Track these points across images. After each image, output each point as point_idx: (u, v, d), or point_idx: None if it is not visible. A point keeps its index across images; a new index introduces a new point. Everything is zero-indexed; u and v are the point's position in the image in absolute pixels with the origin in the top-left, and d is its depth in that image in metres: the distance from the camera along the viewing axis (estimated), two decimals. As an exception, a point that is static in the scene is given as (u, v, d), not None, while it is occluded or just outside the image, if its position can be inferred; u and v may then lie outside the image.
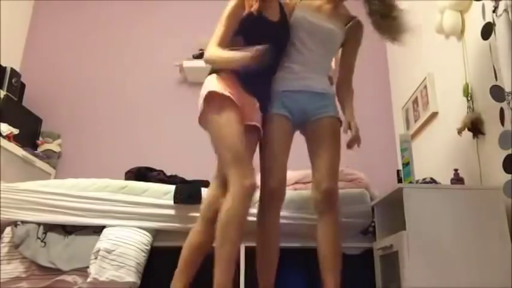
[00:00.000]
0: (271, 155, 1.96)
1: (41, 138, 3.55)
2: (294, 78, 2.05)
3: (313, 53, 2.08)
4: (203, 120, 1.93)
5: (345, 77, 2.21)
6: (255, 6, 1.92)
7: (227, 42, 1.90)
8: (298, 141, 3.44)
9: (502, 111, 1.86)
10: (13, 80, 3.36)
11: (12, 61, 3.57)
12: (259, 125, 1.98)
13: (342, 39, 2.16)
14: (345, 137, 2.07)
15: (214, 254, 1.72)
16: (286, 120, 2.03)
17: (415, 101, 3.09)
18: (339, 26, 2.12)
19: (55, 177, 3.42)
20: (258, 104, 1.98)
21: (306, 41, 2.07)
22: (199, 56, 3.39)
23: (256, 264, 1.97)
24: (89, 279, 2.06)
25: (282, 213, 2.28)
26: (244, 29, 1.94)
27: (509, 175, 1.82)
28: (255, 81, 1.95)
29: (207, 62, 1.93)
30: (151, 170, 2.69)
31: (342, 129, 2.06)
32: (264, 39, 1.85)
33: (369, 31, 4.10)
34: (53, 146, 3.55)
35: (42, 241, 2.21)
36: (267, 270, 1.94)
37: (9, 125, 3.07)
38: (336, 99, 2.17)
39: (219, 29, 1.92)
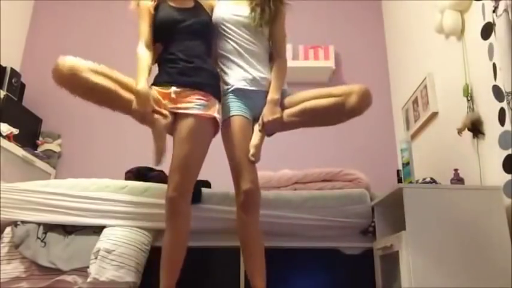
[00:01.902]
0: (240, 158, 1.97)
1: (41, 138, 3.55)
2: (244, 77, 2.08)
3: (248, 44, 2.11)
4: None
5: (275, 48, 2.19)
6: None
7: (150, 35, 2.04)
8: (298, 141, 3.45)
9: (501, 111, 1.87)
10: (13, 80, 3.36)
11: (12, 61, 3.57)
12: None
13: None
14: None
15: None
16: (246, 120, 2.04)
17: (415, 101, 3.09)
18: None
19: (55, 177, 3.42)
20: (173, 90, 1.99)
21: (238, 33, 2.11)
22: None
23: (246, 268, 1.98)
24: (89, 279, 2.06)
25: (282, 213, 2.30)
26: (158, 25, 2.06)
27: (509, 175, 1.82)
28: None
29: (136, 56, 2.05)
30: (151, 170, 2.69)
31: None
32: (178, 27, 2.03)
33: (369, 30, 4.09)
34: (53, 146, 3.55)
35: (42, 241, 2.21)
36: (255, 272, 1.93)
37: (9, 125, 3.07)
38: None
39: (138, 27, 2.06)
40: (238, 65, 2.10)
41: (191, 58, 2.03)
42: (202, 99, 1.97)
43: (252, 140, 2.00)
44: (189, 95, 1.98)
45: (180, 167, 1.88)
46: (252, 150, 1.97)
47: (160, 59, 2.08)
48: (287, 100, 2.08)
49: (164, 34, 2.06)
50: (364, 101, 1.95)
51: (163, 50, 2.06)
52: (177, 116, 1.96)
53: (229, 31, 2.12)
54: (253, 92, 2.07)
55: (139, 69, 1.96)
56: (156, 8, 2.09)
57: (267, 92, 2.07)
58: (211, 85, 2.04)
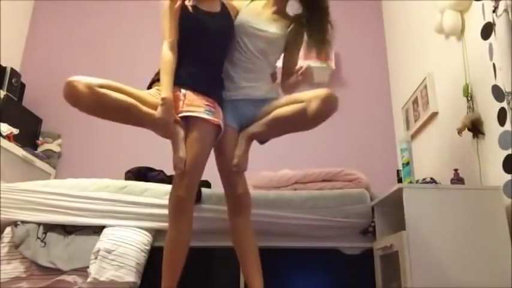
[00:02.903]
0: (228, 165, 1.98)
1: (41, 138, 3.55)
2: (234, 87, 2.08)
3: (255, 59, 2.10)
4: None
5: (287, 78, 2.20)
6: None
7: (177, 36, 1.94)
8: (298, 141, 3.44)
9: (501, 111, 1.86)
10: (13, 80, 3.36)
11: (12, 61, 3.57)
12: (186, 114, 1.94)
13: (284, 42, 2.17)
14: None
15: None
16: (233, 130, 2.06)
17: (415, 101, 3.09)
18: (282, 30, 2.13)
19: (55, 177, 3.42)
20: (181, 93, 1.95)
21: (248, 46, 2.09)
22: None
23: (242, 270, 1.99)
24: (89, 279, 2.06)
25: (282, 213, 2.30)
26: (183, 25, 1.97)
27: (509, 175, 1.82)
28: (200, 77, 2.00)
29: (163, 47, 1.94)
30: (151, 170, 2.69)
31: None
32: (203, 30, 1.97)
33: (369, 30, 4.07)
34: (53, 146, 3.55)
35: (42, 241, 2.21)
36: (252, 273, 1.94)
37: (9, 125, 3.07)
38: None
39: (164, 25, 1.95)
40: (233, 78, 2.09)
41: (207, 66, 2.02)
42: (210, 106, 1.96)
43: (236, 150, 2.00)
44: (196, 99, 1.95)
45: (191, 167, 1.88)
46: (235, 160, 1.97)
47: None
48: (262, 109, 2.07)
49: (188, 36, 1.98)
50: (326, 106, 1.87)
51: (178, 51, 1.96)
52: (186, 119, 1.94)
53: (242, 44, 2.10)
54: (240, 101, 2.08)
55: (165, 74, 1.89)
56: (182, 7, 1.99)
57: (252, 101, 2.08)
58: (218, 94, 2.04)
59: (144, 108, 1.89)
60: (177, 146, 1.88)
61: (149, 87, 2.07)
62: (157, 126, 1.89)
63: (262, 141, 2.15)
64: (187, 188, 1.88)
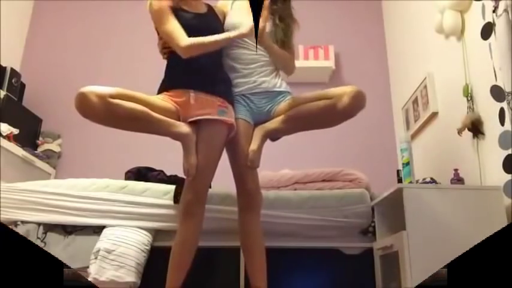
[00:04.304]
0: (242, 161, 1.97)
1: (41, 138, 3.55)
2: (246, 82, 2.08)
3: (263, 53, 2.10)
4: None
5: None
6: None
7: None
8: (298, 141, 3.45)
9: (501, 111, 1.86)
10: (13, 80, 3.37)
11: (12, 61, 3.57)
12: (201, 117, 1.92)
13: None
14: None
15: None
16: (248, 124, 2.05)
17: (415, 101, 3.09)
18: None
19: (55, 177, 3.42)
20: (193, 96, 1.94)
21: (252, 43, 2.08)
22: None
23: (247, 268, 1.99)
24: (88, 279, 2.06)
25: (282, 213, 2.30)
26: None
27: (509, 175, 1.82)
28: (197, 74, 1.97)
29: (188, 52, 1.88)
30: (151, 170, 2.69)
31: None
32: (196, 31, 1.91)
33: (369, 30, 4.07)
34: (53, 146, 3.55)
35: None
36: (256, 273, 1.94)
37: (9, 125, 3.07)
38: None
39: (168, 32, 1.91)
40: (242, 72, 2.09)
41: (209, 65, 1.99)
42: (222, 106, 1.94)
43: (251, 146, 1.99)
44: (207, 100, 1.93)
45: (202, 171, 1.87)
46: (250, 155, 1.96)
47: (172, 62, 2.01)
48: (281, 105, 2.07)
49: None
50: (356, 103, 1.88)
51: (175, 55, 1.93)
52: (197, 123, 1.92)
53: (240, 41, 2.10)
54: (254, 95, 2.07)
55: (208, 40, 1.87)
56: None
57: (267, 94, 2.08)
58: (229, 93, 2.03)
59: (157, 116, 1.85)
60: (189, 151, 1.86)
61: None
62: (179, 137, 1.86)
63: (274, 139, 2.14)
64: (196, 191, 1.87)
